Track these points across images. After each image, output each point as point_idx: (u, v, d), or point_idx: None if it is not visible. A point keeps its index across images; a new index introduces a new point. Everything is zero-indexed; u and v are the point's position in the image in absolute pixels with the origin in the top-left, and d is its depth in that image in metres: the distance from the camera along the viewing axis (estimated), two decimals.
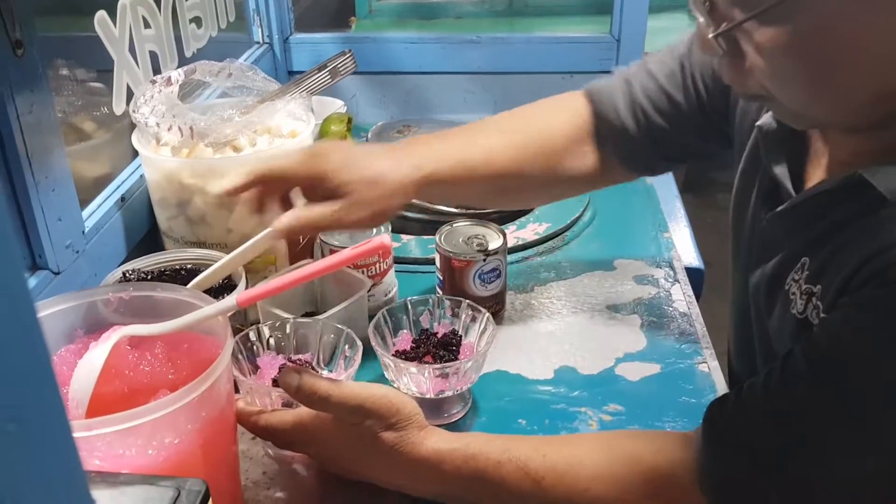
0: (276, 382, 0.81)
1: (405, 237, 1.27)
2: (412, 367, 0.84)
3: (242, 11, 1.62)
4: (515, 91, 1.69)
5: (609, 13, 1.63)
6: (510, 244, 1.17)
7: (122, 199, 1.09)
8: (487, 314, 0.89)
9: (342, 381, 0.75)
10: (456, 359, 0.87)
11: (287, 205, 0.88)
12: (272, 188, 0.86)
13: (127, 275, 0.93)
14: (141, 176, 1.12)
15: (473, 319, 0.91)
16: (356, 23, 2.92)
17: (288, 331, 0.88)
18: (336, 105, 1.62)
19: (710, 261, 1.37)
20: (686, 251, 1.32)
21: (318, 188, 0.84)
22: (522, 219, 1.29)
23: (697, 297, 1.15)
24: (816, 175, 0.76)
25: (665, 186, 1.45)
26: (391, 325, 0.91)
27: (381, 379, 0.86)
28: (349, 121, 1.55)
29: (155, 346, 0.73)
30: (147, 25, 1.18)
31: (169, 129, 1.01)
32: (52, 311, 0.72)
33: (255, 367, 0.85)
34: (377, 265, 1.04)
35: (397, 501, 0.77)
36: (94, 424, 0.58)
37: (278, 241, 0.96)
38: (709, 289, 1.34)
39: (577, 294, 1.12)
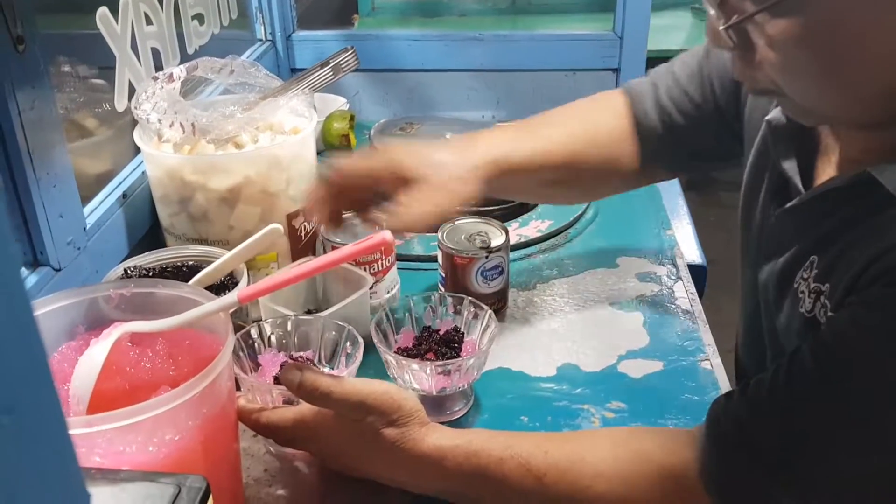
0: (277, 380, 0.81)
1: (407, 234, 1.27)
2: (414, 364, 0.84)
3: (245, 8, 1.62)
4: (518, 89, 1.69)
5: (612, 10, 1.63)
6: (513, 241, 1.17)
7: (124, 195, 1.09)
8: (490, 311, 0.89)
9: (343, 377, 0.74)
10: (458, 356, 0.87)
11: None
12: (347, 191, 0.87)
13: (128, 271, 0.92)
14: (143, 173, 1.12)
15: (476, 316, 0.90)
16: (359, 20, 2.92)
17: (289, 328, 0.88)
18: (339, 102, 1.62)
19: (713, 258, 1.37)
20: (689, 248, 1.32)
21: (389, 184, 0.85)
22: (525, 216, 1.29)
23: (700, 295, 1.15)
24: (826, 172, 0.75)
25: (668, 184, 1.44)
26: (393, 323, 0.91)
27: (383, 376, 0.86)
28: (352, 118, 1.55)
29: (156, 342, 0.72)
30: (149, 22, 1.18)
31: (171, 126, 1.01)
32: (53, 308, 0.72)
33: (257, 365, 0.85)
34: (379, 262, 1.03)
35: (398, 498, 0.77)
36: (95, 421, 0.58)
37: (281, 237, 0.96)
38: (712, 286, 1.34)
39: (579, 291, 1.12)
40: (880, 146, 0.66)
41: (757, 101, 0.86)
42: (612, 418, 0.89)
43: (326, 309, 0.93)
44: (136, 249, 1.08)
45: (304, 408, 0.75)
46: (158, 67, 1.19)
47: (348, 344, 0.85)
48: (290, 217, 1.05)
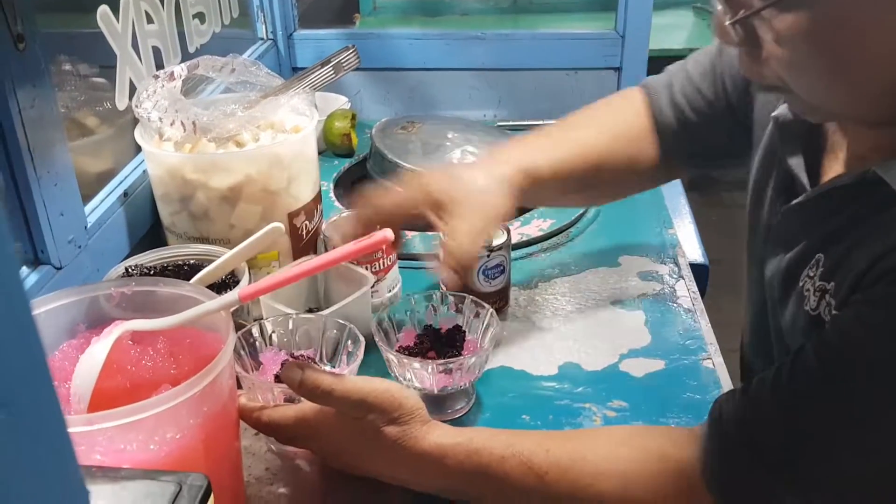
0: (278, 378, 0.81)
1: (409, 233, 1.27)
2: (415, 363, 0.84)
3: (246, 7, 1.62)
4: (520, 88, 1.69)
5: (613, 10, 1.63)
6: (514, 240, 1.17)
7: (125, 194, 1.09)
8: (491, 310, 0.89)
9: (345, 375, 0.74)
10: (459, 355, 0.86)
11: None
12: (381, 224, 0.87)
13: (129, 270, 0.92)
14: (144, 171, 1.12)
15: (477, 315, 0.90)
16: (360, 19, 2.92)
17: (290, 327, 0.87)
18: (340, 101, 1.62)
19: (714, 258, 1.37)
20: (691, 247, 1.32)
21: (429, 213, 0.85)
22: (527, 215, 1.29)
23: (702, 294, 1.14)
24: (833, 169, 0.75)
25: (670, 183, 1.44)
26: (394, 321, 0.90)
27: (385, 375, 0.86)
28: (353, 117, 1.55)
29: (157, 341, 0.72)
30: (150, 20, 1.18)
31: (171, 124, 1.00)
32: (53, 306, 0.71)
33: (258, 363, 0.85)
34: (381, 261, 1.03)
35: (400, 497, 0.77)
36: (96, 419, 0.58)
37: (282, 236, 0.96)
38: (713, 286, 1.34)
39: (581, 290, 1.12)
40: (888, 144, 0.66)
41: (766, 98, 0.85)
42: (613, 417, 0.89)
43: (327, 308, 0.93)
44: (137, 248, 1.08)
45: (305, 406, 0.75)
46: (159, 66, 1.19)
47: (349, 342, 0.85)
48: (292, 216, 1.05)
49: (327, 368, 0.85)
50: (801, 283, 0.73)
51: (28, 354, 0.22)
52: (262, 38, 1.67)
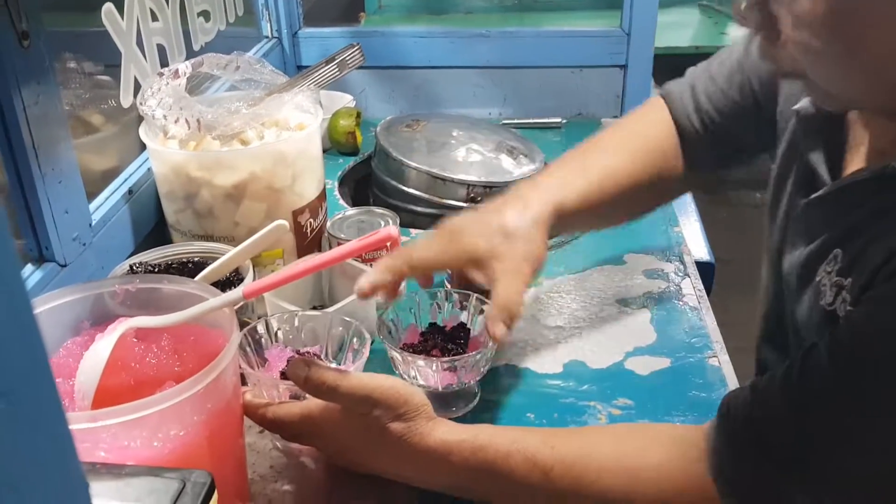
0: (283, 375, 0.81)
1: (414, 231, 1.27)
2: (420, 361, 0.83)
3: (251, 5, 1.62)
4: (525, 85, 1.69)
5: (619, 7, 1.62)
6: None
7: (130, 191, 1.09)
8: None
9: (350, 371, 0.74)
10: (464, 352, 0.86)
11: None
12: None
13: (134, 268, 0.92)
14: (148, 169, 1.12)
15: (482, 313, 0.90)
16: (365, 18, 2.92)
17: (296, 324, 0.87)
18: (345, 100, 1.62)
19: (721, 256, 1.36)
20: (696, 245, 1.31)
21: (469, 272, 0.84)
22: None
23: (708, 292, 1.14)
24: (855, 163, 0.74)
25: None
26: (399, 319, 0.90)
27: (389, 372, 0.86)
28: (358, 115, 1.55)
29: (161, 338, 0.72)
30: (155, 18, 1.18)
31: (176, 122, 1.00)
32: (58, 304, 0.71)
33: (263, 360, 0.85)
34: None
35: (404, 494, 0.77)
36: (99, 416, 0.58)
37: (286, 234, 0.96)
38: (719, 285, 1.33)
39: (586, 288, 1.12)
40: None
41: (790, 92, 0.84)
42: (618, 415, 0.89)
43: (331, 306, 0.93)
44: (141, 246, 1.08)
45: (310, 403, 0.75)
46: (164, 64, 1.19)
47: (355, 340, 0.84)
48: (296, 213, 1.05)
49: (332, 366, 0.85)
50: (818, 278, 0.72)
51: (26, 343, 0.22)
52: (266, 37, 1.67)
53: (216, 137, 1.02)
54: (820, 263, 0.72)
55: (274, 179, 1.01)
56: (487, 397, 0.92)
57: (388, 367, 0.87)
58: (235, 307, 0.73)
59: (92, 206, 1.01)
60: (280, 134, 1.06)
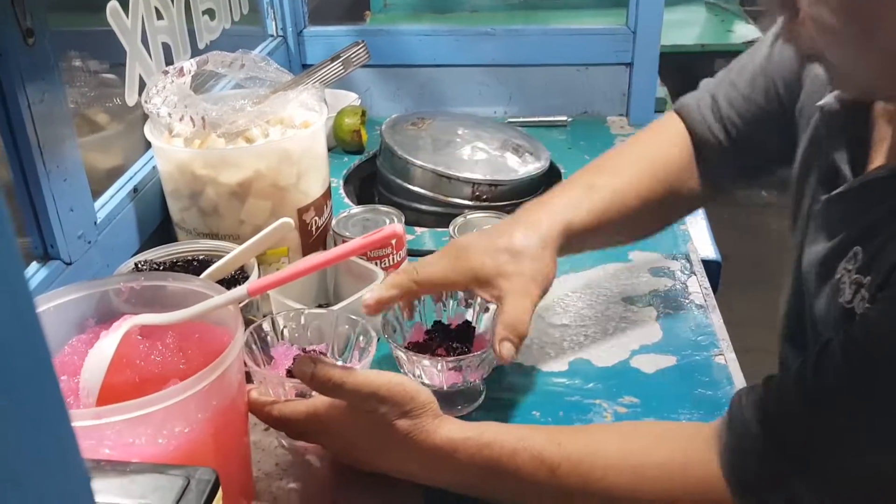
0: (289, 373, 0.81)
1: (419, 229, 1.27)
2: (425, 360, 0.83)
3: (256, 4, 1.62)
4: (531, 84, 1.68)
5: (625, 5, 1.62)
6: None
7: (135, 190, 1.09)
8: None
9: (356, 369, 0.74)
10: (469, 351, 0.86)
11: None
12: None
13: (139, 266, 0.92)
14: (154, 167, 1.12)
15: (486, 310, 0.90)
16: (370, 16, 2.92)
17: (302, 322, 0.87)
18: (350, 98, 1.62)
19: (725, 256, 1.36)
20: (703, 244, 1.31)
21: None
22: None
23: (714, 290, 1.14)
24: (878, 160, 0.73)
25: None
26: (403, 317, 0.90)
27: (395, 371, 0.85)
28: (363, 114, 1.54)
29: (166, 335, 0.72)
30: (160, 17, 1.18)
31: (181, 120, 1.00)
32: (63, 301, 0.72)
33: (269, 358, 0.85)
34: (390, 257, 1.03)
35: (410, 492, 0.77)
36: (104, 413, 0.58)
37: (292, 232, 0.95)
38: (725, 284, 1.33)
39: (592, 286, 1.11)
40: None
41: (812, 89, 0.84)
42: (624, 413, 0.89)
43: (337, 304, 0.93)
44: (146, 244, 1.08)
45: (316, 401, 0.75)
46: (169, 62, 1.19)
47: (361, 338, 0.84)
48: (301, 211, 1.04)
49: (339, 363, 0.85)
50: (837, 276, 0.71)
51: (26, 337, 0.22)
52: (272, 35, 1.67)
53: (221, 135, 1.02)
54: (839, 261, 0.71)
55: (279, 177, 1.01)
56: (493, 395, 0.91)
57: (393, 365, 0.87)
58: (240, 305, 0.73)
59: (97, 204, 1.01)
60: (285, 132, 1.06)
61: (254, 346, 0.82)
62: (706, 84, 0.99)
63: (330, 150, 1.30)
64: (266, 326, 0.85)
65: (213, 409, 0.64)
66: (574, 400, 0.91)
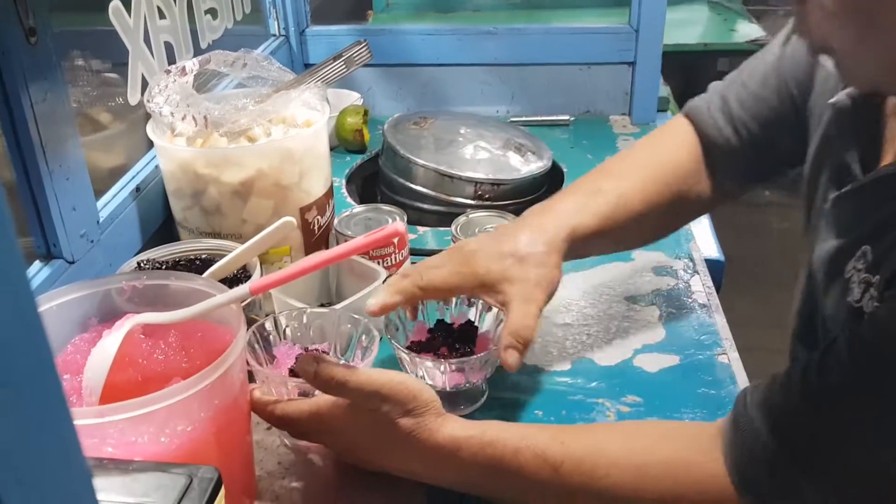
0: (292, 372, 0.81)
1: (421, 228, 1.27)
2: (428, 362, 0.83)
3: (258, 3, 1.62)
4: (533, 83, 1.68)
5: (627, 4, 1.61)
6: None
7: (138, 189, 1.09)
8: None
9: (359, 367, 0.74)
10: (472, 351, 0.86)
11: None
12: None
13: (142, 265, 0.92)
14: (156, 166, 1.12)
15: (489, 309, 0.90)
16: (373, 16, 2.92)
17: (304, 321, 0.87)
18: (352, 97, 1.62)
19: (729, 254, 1.36)
20: (706, 242, 1.31)
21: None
22: None
23: (717, 289, 1.13)
24: (888, 158, 0.73)
25: None
26: (405, 318, 0.90)
27: (397, 369, 0.85)
28: (365, 113, 1.54)
29: (168, 334, 0.72)
30: (162, 16, 1.18)
31: (183, 119, 1.00)
32: (65, 300, 0.72)
33: (272, 357, 0.85)
34: (392, 256, 1.03)
35: (412, 491, 0.77)
36: (106, 411, 0.58)
37: (294, 231, 0.95)
38: (728, 284, 1.33)
39: (594, 285, 1.11)
40: None
41: (824, 88, 0.83)
42: (627, 412, 0.88)
43: (339, 303, 0.93)
44: (149, 243, 1.08)
45: (319, 400, 0.75)
46: (171, 62, 1.19)
47: (363, 337, 0.84)
48: (303, 210, 1.04)
49: (342, 362, 0.85)
50: (846, 275, 0.71)
51: (25, 327, 0.22)
52: (274, 35, 1.67)
53: (223, 134, 1.02)
54: (848, 260, 0.71)
55: (281, 176, 1.01)
56: (495, 395, 0.91)
57: (396, 365, 0.87)
58: (243, 303, 0.73)
59: (100, 203, 1.01)
60: (287, 131, 1.06)
61: (256, 346, 0.82)
62: (715, 86, 0.98)
63: (332, 149, 1.30)
64: (268, 326, 0.85)
65: (216, 408, 0.64)
66: (577, 399, 0.91)
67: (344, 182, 1.43)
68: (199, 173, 0.99)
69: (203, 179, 1.00)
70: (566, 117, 1.67)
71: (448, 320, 0.91)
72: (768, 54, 0.92)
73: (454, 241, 1.03)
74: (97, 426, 0.58)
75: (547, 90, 1.69)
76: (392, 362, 0.88)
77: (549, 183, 1.41)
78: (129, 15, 1.08)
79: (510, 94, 1.70)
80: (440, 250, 1.15)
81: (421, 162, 1.34)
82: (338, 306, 0.90)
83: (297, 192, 1.03)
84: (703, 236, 1.32)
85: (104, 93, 1.10)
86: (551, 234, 0.85)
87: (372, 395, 0.71)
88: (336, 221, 1.10)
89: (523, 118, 1.66)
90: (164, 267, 0.93)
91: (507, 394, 0.92)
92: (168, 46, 1.19)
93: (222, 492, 0.52)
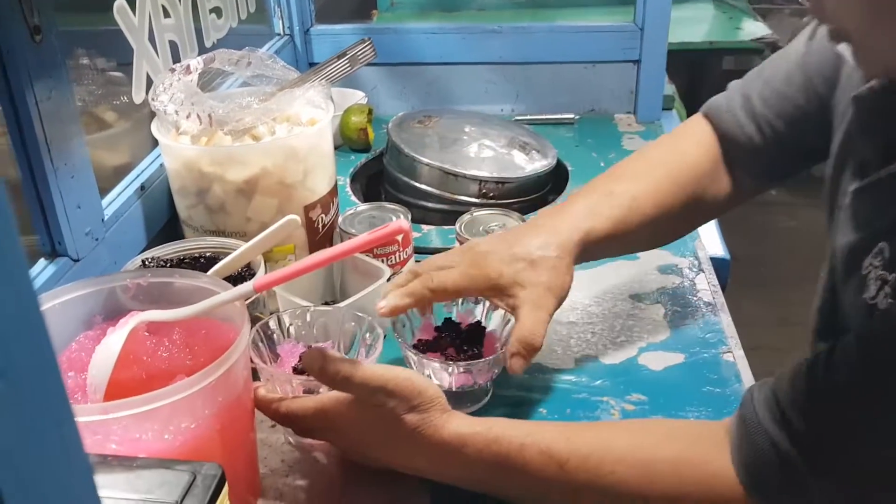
0: (296, 370, 0.81)
1: (425, 227, 1.27)
2: (435, 363, 0.83)
3: (263, 2, 1.62)
4: (538, 81, 1.68)
5: (632, 2, 1.61)
6: None
7: (142, 187, 1.09)
8: None
9: (365, 363, 0.74)
10: (480, 352, 0.86)
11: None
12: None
13: (146, 263, 0.92)
14: (161, 165, 1.12)
15: (495, 308, 0.89)
16: (377, 15, 2.93)
17: (308, 319, 0.87)
18: (357, 96, 1.61)
19: (734, 253, 1.36)
20: (711, 241, 1.30)
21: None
22: (544, 209, 1.28)
23: (723, 288, 1.13)
24: None
25: None
26: (412, 314, 0.90)
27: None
28: (370, 112, 1.54)
29: (173, 332, 0.72)
30: (167, 15, 1.18)
31: (188, 117, 1.00)
32: (70, 298, 0.72)
33: (276, 356, 0.85)
34: (397, 254, 1.03)
35: (418, 488, 0.77)
36: (111, 408, 0.58)
37: (298, 229, 0.95)
38: (733, 284, 1.33)
39: (599, 283, 1.11)
40: None
41: (848, 84, 0.82)
42: (632, 410, 0.88)
43: (343, 301, 0.93)
44: (154, 241, 1.08)
45: (324, 397, 0.75)
46: (176, 60, 1.19)
47: (367, 335, 0.84)
48: (308, 208, 1.04)
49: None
50: (864, 272, 0.70)
51: (25, 318, 0.22)
52: (278, 34, 1.67)
53: (228, 133, 1.02)
54: (866, 255, 0.70)
55: (285, 175, 1.01)
56: (500, 393, 0.91)
57: (401, 362, 0.87)
58: (247, 301, 0.73)
59: (104, 201, 1.01)
60: (291, 129, 1.06)
61: (260, 344, 0.82)
62: (735, 85, 0.97)
63: (337, 148, 1.30)
64: (272, 324, 0.85)
65: (220, 405, 0.65)
66: (581, 397, 0.91)
67: (348, 180, 1.43)
68: (203, 171, 0.99)
69: (207, 177, 1.00)
70: (571, 116, 1.67)
71: (455, 318, 0.91)
72: (791, 51, 0.91)
73: (458, 240, 1.03)
74: (101, 423, 0.58)
75: (551, 89, 1.68)
76: (397, 363, 0.88)
77: (553, 181, 1.41)
78: (134, 14, 1.08)
79: (515, 92, 1.70)
80: (444, 249, 1.16)
81: (425, 160, 1.34)
82: (342, 304, 0.90)
83: (302, 191, 1.04)
84: (708, 235, 1.32)
85: (109, 91, 1.10)
86: (564, 238, 0.85)
87: (377, 391, 0.71)
88: (340, 220, 1.10)
89: (528, 117, 1.66)
90: (168, 265, 0.93)
91: (511, 392, 0.92)
92: (173, 45, 1.19)
93: (226, 489, 0.52)
